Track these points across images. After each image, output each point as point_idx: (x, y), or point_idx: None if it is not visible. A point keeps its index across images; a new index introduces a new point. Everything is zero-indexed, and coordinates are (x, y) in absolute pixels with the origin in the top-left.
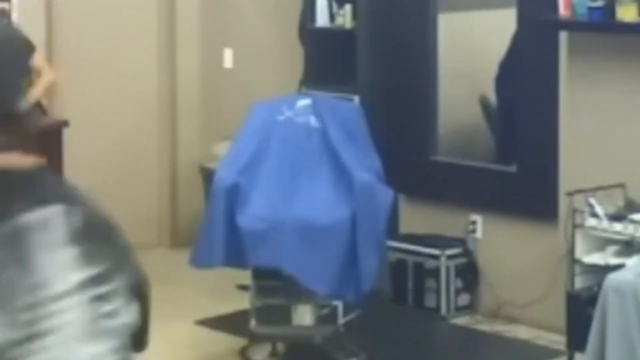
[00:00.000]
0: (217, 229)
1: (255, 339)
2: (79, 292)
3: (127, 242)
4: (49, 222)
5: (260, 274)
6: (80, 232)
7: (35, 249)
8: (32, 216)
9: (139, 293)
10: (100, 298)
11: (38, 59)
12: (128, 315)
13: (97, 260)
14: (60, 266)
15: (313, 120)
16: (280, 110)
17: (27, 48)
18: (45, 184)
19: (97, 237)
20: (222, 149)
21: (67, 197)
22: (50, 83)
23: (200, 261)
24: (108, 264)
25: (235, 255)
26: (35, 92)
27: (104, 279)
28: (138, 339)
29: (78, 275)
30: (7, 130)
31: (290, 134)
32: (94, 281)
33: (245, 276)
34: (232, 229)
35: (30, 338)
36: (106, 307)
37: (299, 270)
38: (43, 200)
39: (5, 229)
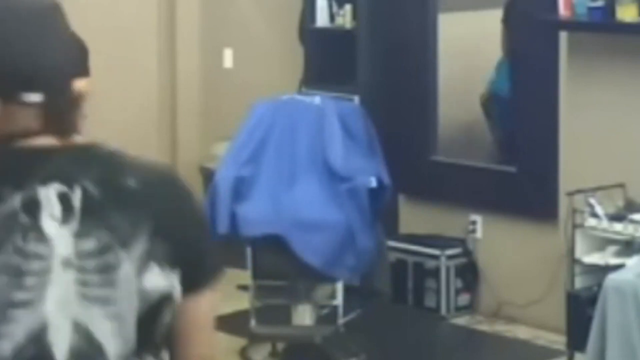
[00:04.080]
0: (219, 212)
1: (255, 339)
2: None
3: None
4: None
5: (260, 273)
6: (73, 212)
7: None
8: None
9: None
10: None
11: (81, 86)
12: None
13: (88, 236)
14: (54, 239)
15: (317, 100)
16: (284, 94)
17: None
18: (53, 164)
19: (93, 214)
20: (222, 149)
21: (68, 177)
22: None
23: None
24: (103, 237)
25: (235, 231)
26: None
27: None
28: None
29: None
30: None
31: (292, 111)
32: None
33: (245, 276)
34: (233, 214)
35: (33, 302)
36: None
37: (296, 241)
38: (44, 180)
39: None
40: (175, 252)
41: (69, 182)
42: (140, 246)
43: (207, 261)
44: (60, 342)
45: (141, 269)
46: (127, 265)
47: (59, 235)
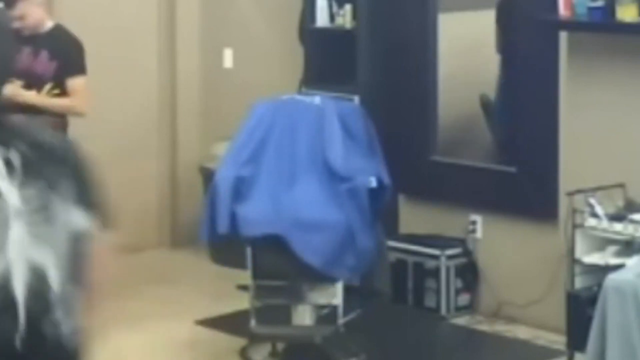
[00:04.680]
0: (219, 212)
1: (255, 339)
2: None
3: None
4: None
5: (260, 273)
6: (15, 169)
7: None
8: None
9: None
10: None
11: (78, 83)
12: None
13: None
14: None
15: (317, 100)
16: (284, 94)
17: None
18: None
19: (29, 168)
20: (222, 149)
21: (7, 143)
22: (71, 110)
23: (205, 235)
24: (40, 186)
25: (235, 231)
26: (54, 102)
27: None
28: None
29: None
30: None
31: (292, 111)
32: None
33: (245, 276)
34: (234, 214)
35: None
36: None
37: (296, 241)
38: None
39: None
40: (88, 196)
41: (7, 146)
42: (65, 191)
43: (107, 206)
44: (19, 282)
45: (69, 209)
46: (59, 206)
47: (8, 189)
